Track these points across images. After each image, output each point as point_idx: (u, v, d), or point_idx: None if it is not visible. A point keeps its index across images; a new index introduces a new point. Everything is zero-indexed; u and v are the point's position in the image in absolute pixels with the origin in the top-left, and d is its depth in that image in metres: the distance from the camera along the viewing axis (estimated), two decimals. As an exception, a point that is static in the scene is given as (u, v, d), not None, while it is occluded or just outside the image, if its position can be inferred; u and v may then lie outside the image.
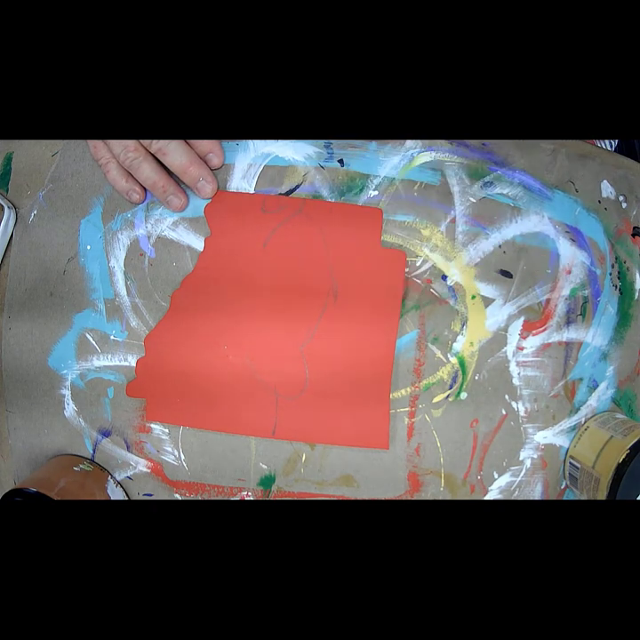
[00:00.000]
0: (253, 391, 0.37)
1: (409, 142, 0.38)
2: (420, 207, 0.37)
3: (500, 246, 0.38)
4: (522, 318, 0.38)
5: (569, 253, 0.39)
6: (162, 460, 0.38)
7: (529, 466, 0.39)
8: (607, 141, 0.53)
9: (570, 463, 0.39)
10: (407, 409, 0.38)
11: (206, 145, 0.36)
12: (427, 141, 0.38)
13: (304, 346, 0.37)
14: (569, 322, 0.39)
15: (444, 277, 0.37)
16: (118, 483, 0.39)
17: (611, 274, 0.39)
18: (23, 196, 0.39)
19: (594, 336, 0.39)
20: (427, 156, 0.38)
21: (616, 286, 0.39)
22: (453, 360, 0.38)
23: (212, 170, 0.36)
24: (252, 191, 0.37)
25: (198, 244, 0.37)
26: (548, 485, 0.40)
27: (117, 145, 0.35)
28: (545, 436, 0.39)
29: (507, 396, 0.38)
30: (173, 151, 0.35)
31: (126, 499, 0.39)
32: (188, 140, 0.36)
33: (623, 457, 0.35)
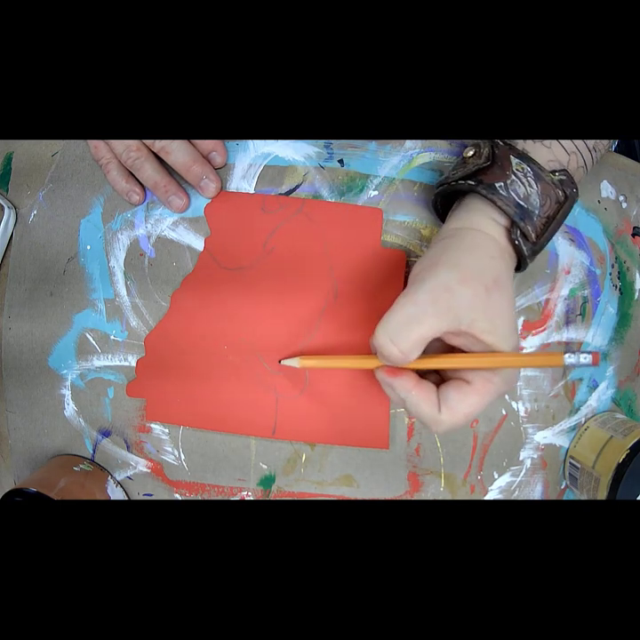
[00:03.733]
0: (253, 391, 0.37)
1: (409, 142, 0.38)
2: (419, 207, 0.38)
3: (499, 246, 0.38)
4: (521, 318, 0.38)
5: (568, 253, 0.39)
6: (162, 459, 0.38)
7: (529, 466, 0.39)
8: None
9: (570, 463, 0.39)
10: (407, 409, 0.38)
11: (209, 144, 0.36)
12: (426, 142, 0.38)
13: (304, 345, 0.37)
14: (568, 322, 0.39)
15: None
16: (118, 483, 0.39)
17: (610, 274, 0.39)
18: (23, 195, 0.39)
19: (594, 336, 0.39)
20: (426, 157, 0.38)
21: (616, 286, 0.39)
22: (453, 360, 0.38)
23: (214, 168, 0.37)
24: (252, 191, 0.37)
25: (198, 243, 0.37)
26: (548, 485, 0.40)
27: (120, 144, 0.35)
28: (545, 436, 0.39)
29: (507, 396, 0.38)
30: (176, 150, 0.35)
31: (126, 499, 0.39)
32: (190, 140, 0.36)
33: (623, 457, 0.35)
